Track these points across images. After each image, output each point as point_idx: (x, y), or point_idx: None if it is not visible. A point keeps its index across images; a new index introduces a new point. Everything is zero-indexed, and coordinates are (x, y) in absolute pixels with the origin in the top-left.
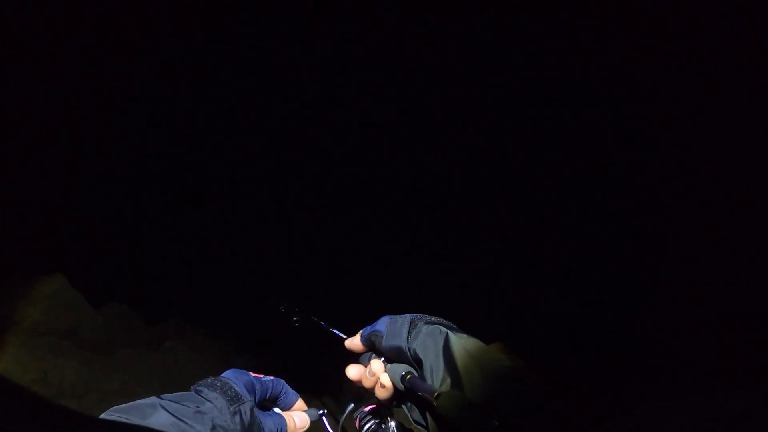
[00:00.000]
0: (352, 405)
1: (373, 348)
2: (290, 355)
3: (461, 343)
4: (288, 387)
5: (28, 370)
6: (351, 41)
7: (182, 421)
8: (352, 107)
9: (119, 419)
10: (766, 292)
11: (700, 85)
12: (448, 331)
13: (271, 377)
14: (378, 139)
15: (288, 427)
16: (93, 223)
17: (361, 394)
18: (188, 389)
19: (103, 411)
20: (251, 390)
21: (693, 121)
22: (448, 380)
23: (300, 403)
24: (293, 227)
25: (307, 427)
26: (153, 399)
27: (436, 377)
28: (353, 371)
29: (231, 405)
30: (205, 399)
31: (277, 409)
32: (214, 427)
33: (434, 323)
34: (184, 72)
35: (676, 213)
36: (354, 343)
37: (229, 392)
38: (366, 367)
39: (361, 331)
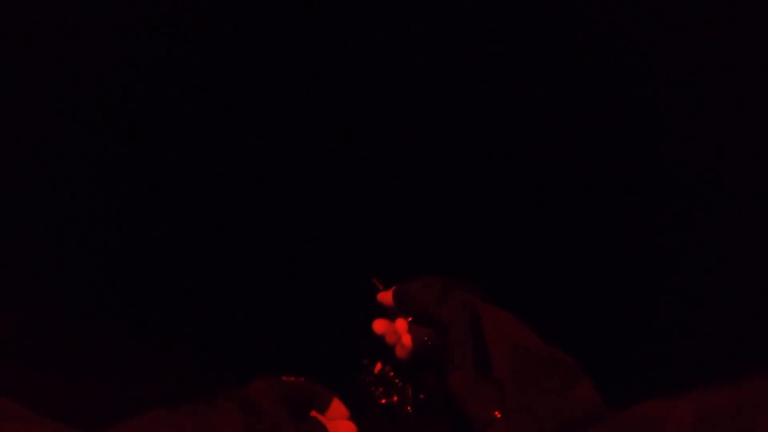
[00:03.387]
0: (371, 361)
1: (402, 306)
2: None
3: (494, 316)
4: (322, 387)
5: None
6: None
7: None
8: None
9: None
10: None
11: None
12: (480, 302)
13: (302, 379)
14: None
15: None
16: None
17: (385, 350)
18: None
19: None
20: (282, 400)
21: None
22: (472, 356)
23: (336, 405)
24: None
25: None
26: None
27: (460, 350)
28: (380, 326)
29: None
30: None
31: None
32: None
33: (467, 290)
34: (186, 67)
35: (679, 212)
36: (386, 297)
37: (248, 404)
38: (392, 323)
39: (394, 287)
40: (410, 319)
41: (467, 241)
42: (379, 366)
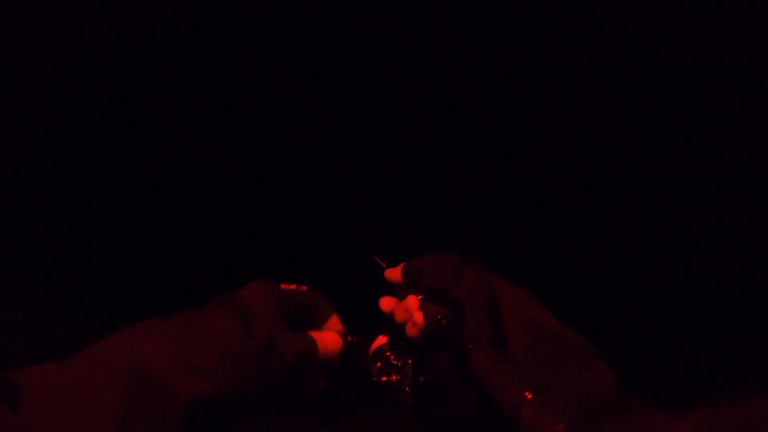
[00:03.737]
0: (378, 336)
1: (412, 283)
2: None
3: (510, 294)
4: (324, 299)
5: None
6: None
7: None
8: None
9: None
10: None
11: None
12: (497, 279)
13: (304, 288)
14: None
15: (318, 349)
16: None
17: (391, 327)
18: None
19: None
20: (276, 308)
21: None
22: (489, 335)
23: (334, 320)
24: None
25: (338, 350)
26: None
27: (477, 329)
28: (387, 303)
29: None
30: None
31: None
32: (220, 355)
33: (482, 268)
34: (186, 67)
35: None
36: (394, 274)
37: (243, 311)
38: (401, 301)
39: (403, 264)
40: (421, 296)
41: (466, 241)
42: (377, 343)
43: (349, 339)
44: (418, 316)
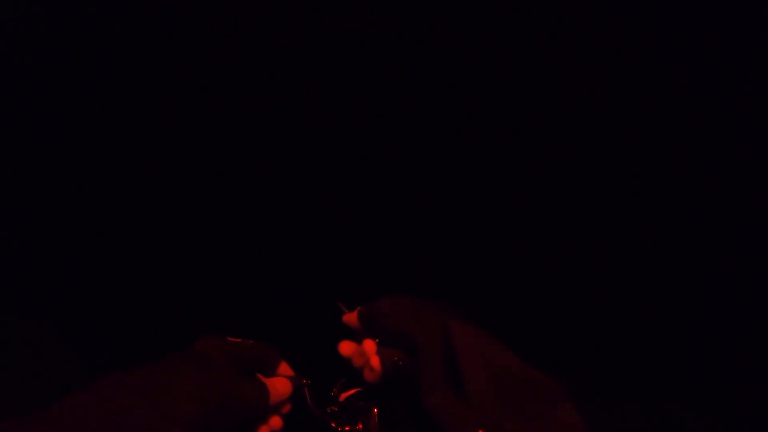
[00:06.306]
0: (340, 383)
1: (369, 327)
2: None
3: (466, 334)
4: (271, 349)
5: None
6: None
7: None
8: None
9: None
10: None
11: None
12: (451, 320)
13: (251, 342)
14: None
15: (269, 393)
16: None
17: (352, 373)
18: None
19: None
20: (228, 357)
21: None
22: (445, 376)
23: (284, 368)
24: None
25: (288, 395)
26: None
27: (431, 370)
28: (345, 348)
29: (201, 372)
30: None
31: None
32: (187, 401)
33: (439, 308)
34: (186, 67)
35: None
36: (351, 319)
37: (200, 360)
38: (359, 345)
39: (359, 308)
40: (378, 340)
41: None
42: (346, 394)
43: (304, 381)
44: (375, 361)
